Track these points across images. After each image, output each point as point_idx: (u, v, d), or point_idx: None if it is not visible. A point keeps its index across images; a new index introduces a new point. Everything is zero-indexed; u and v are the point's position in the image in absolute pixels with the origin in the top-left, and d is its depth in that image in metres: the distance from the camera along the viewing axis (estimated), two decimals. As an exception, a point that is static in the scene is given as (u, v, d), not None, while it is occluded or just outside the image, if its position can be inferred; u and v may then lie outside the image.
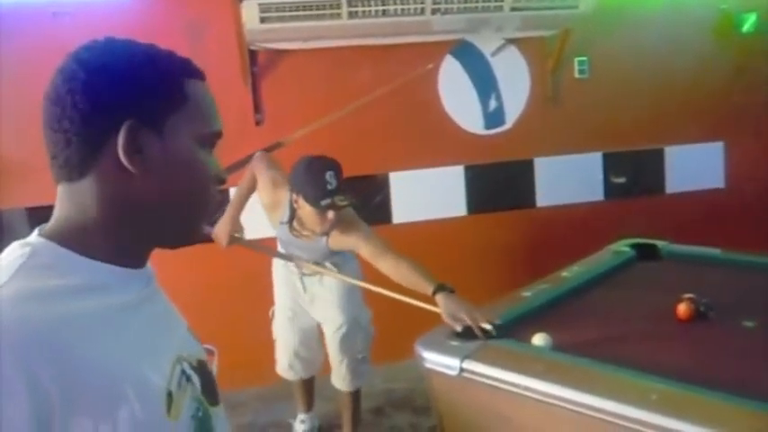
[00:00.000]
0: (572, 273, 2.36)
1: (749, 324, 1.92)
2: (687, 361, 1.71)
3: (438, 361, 1.79)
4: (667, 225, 3.69)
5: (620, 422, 1.45)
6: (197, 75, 0.79)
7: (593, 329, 1.95)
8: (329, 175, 2.22)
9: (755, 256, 2.56)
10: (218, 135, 0.81)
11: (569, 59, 3.79)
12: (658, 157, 4.04)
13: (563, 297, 2.17)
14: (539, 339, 1.79)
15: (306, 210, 2.30)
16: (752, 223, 4.13)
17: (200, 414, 0.78)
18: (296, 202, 2.34)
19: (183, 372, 0.77)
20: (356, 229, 2.36)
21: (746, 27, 4.03)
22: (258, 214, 2.64)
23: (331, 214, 2.25)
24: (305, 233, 2.47)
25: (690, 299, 1.98)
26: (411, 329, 1.94)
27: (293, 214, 2.45)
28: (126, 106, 0.72)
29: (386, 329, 2.87)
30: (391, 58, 3.47)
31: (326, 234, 2.38)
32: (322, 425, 3.04)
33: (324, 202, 2.22)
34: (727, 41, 4.04)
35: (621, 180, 4.00)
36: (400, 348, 2.19)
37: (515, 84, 3.75)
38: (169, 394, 0.72)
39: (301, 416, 3.00)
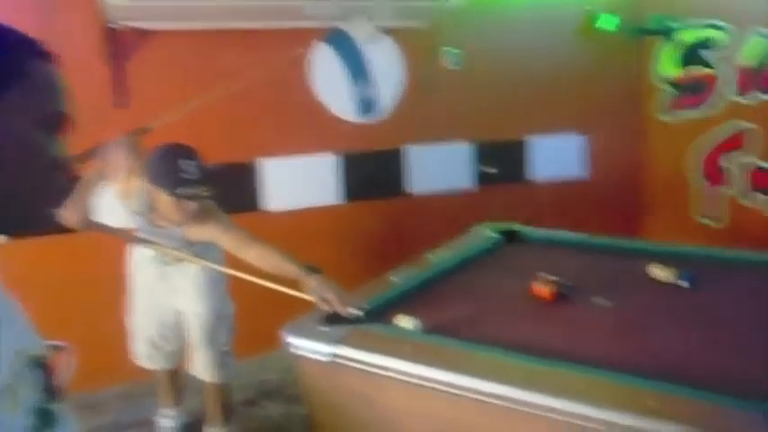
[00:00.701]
0: (438, 256, 2.41)
1: (601, 302, 2.04)
2: (547, 338, 1.79)
3: (308, 347, 1.76)
4: (533, 211, 3.88)
5: (487, 399, 1.49)
6: (43, 55, 0.75)
7: (459, 311, 2.00)
8: (186, 164, 2.16)
9: (613, 239, 2.75)
10: (63, 118, 0.77)
11: (442, 50, 3.88)
12: (525, 147, 4.23)
13: (430, 280, 2.21)
14: (405, 322, 1.81)
15: (162, 199, 2.21)
16: (611, 210, 4.44)
17: (42, 407, 0.74)
18: (152, 191, 2.24)
19: (23, 366, 0.73)
20: (215, 220, 2.29)
21: (608, 27, 4.28)
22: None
23: (188, 203, 2.18)
24: (161, 223, 2.37)
25: (550, 280, 2.08)
26: (282, 319, 1.89)
27: (148, 204, 2.34)
28: None
29: (256, 320, 2.79)
30: (263, 42, 3.38)
31: (183, 224, 2.30)
32: (192, 421, 2.92)
33: (180, 191, 2.15)
34: (590, 40, 4.29)
35: (493, 170, 4.15)
36: (271, 338, 2.13)
37: (389, 73, 3.78)
38: (9, 386, 0.69)
39: (166, 411, 2.88)
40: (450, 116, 3.94)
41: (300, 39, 3.42)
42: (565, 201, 4.22)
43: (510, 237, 2.77)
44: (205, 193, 2.20)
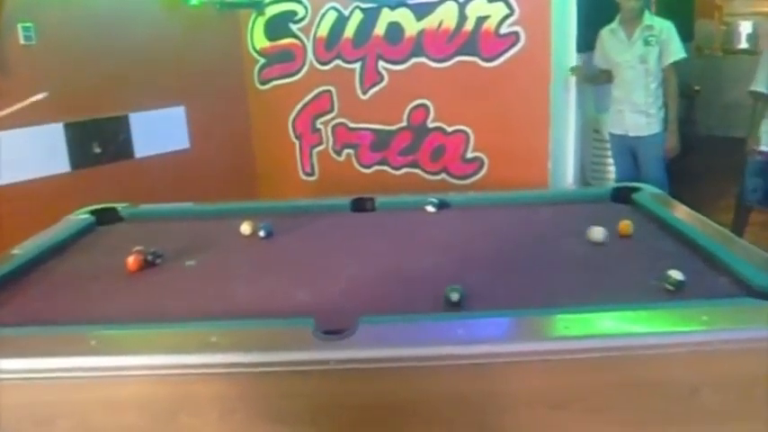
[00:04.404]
0: (24, 249, 2.26)
1: (190, 263, 2.18)
2: (133, 305, 1.86)
3: None
4: (140, 189, 3.87)
5: (62, 375, 1.51)
6: None
7: (43, 300, 1.93)
8: None
9: (214, 205, 2.95)
10: None
11: (12, 24, 3.55)
12: (124, 123, 4.15)
13: (12, 274, 2.07)
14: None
15: None
16: (223, 177, 4.65)
17: None
18: None
19: None
20: None
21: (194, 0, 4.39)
22: None
23: None
24: None
25: (137, 251, 2.13)
26: None
27: None
28: None
29: None
30: None
31: None
32: None
33: None
34: (177, 13, 4.35)
35: (98, 150, 4.00)
36: None
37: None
38: None
39: None
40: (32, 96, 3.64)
41: None
42: (173, 173, 4.29)
43: (107, 217, 2.73)
44: None
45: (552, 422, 1.54)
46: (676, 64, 3.97)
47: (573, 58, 4.13)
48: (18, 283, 2.06)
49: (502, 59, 4.06)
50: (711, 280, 1.83)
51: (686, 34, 4.99)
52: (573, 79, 4.17)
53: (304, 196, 4.62)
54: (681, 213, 2.39)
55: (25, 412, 1.56)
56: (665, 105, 4.04)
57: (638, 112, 4.04)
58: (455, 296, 1.73)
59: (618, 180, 4.18)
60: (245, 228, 2.44)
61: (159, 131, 4.33)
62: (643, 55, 3.96)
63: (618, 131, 4.19)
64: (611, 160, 5.04)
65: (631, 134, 4.09)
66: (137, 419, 1.52)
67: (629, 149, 4.17)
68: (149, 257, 2.14)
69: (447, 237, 2.37)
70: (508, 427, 1.55)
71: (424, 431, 1.55)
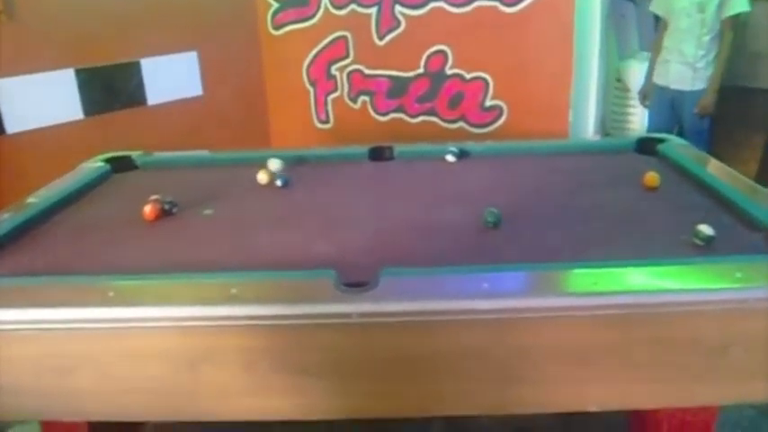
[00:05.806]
0: (39, 197, 2.23)
1: (208, 212, 2.15)
2: (150, 255, 1.83)
3: None
4: (153, 136, 3.82)
5: (82, 325, 1.50)
6: None
7: (62, 247, 1.92)
8: None
9: (229, 152, 2.91)
10: None
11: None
12: (136, 69, 4.07)
13: (30, 222, 2.05)
14: None
15: None
16: (235, 124, 4.57)
17: None
18: None
19: None
20: None
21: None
22: None
23: None
24: None
25: (154, 200, 2.10)
26: None
27: None
28: None
29: None
30: None
31: None
32: None
33: None
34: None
35: (110, 97, 3.93)
36: None
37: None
38: None
39: None
40: (42, 42, 3.56)
41: None
42: (185, 120, 4.22)
43: (122, 165, 2.69)
44: None
45: (577, 378, 1.51)
46: (736, 17, 3.80)
47: (597, 4, 3.98)
48: (34, 232, 2.04)
49: (523, 4, 3.92)
50: (742, 235, 1.78)
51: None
52: (597, 25, 4.03)
53: (319, 144, 4.55)
54: (709, 165, 2.32)
55: (45, 362, 1.56)
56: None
57: (685, 64, 3.89)
58: (493, 219, 1.86)
59: (649, 131, 4.08)
60: (262, 176, 2.40)
61: (172, 78, 4.24)
62: (702, 3, 3.78)
63: (660, 82, 4.06)
64: (632, 110, 4.93)
65: (673, 87, 3.96)
66: (159, 370, 1.52)
67: (668, 102, 4.04)
68: (166, 206, 2.11)
69: (468, 187, 2.31)
70: (532, 381, 1.54)
71: (446, 384, 1.54)
